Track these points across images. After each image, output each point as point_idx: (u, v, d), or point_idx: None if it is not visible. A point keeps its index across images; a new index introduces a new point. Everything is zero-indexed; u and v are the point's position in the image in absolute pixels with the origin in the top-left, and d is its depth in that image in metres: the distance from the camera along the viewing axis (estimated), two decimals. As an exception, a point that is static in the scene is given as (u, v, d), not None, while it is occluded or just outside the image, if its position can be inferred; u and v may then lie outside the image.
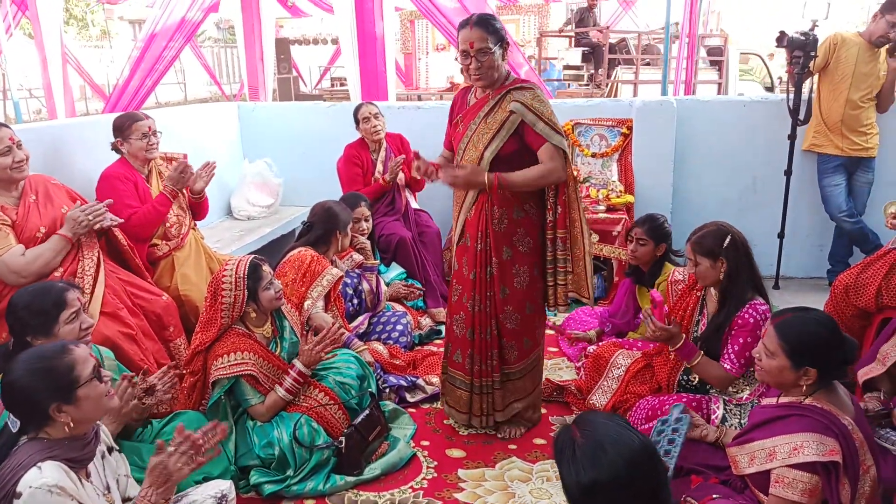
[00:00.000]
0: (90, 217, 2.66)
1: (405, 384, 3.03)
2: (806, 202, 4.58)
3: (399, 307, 3.60)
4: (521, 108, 2.59)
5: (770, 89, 10.39)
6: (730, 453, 2.08)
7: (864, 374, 2.60)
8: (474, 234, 2.72)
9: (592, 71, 9.89)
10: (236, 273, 2.54)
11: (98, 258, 2.71)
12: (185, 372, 2.60)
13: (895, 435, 2.33)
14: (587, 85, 9.60)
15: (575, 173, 4.48)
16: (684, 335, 2.62)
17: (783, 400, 2.04)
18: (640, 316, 3.49)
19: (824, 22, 4.30)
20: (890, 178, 4.41)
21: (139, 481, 1.85)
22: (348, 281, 3.33)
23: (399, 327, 3.33)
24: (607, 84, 9.30)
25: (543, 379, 3.13)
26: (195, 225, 3.48)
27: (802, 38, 4.17)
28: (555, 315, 4.13)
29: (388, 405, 2.88)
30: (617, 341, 3.25)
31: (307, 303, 2.96)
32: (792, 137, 4.36)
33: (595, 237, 4.21)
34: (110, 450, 1.91)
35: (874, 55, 4.16)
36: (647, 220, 3.40)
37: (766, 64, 10.79)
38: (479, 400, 2.82)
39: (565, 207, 2.69)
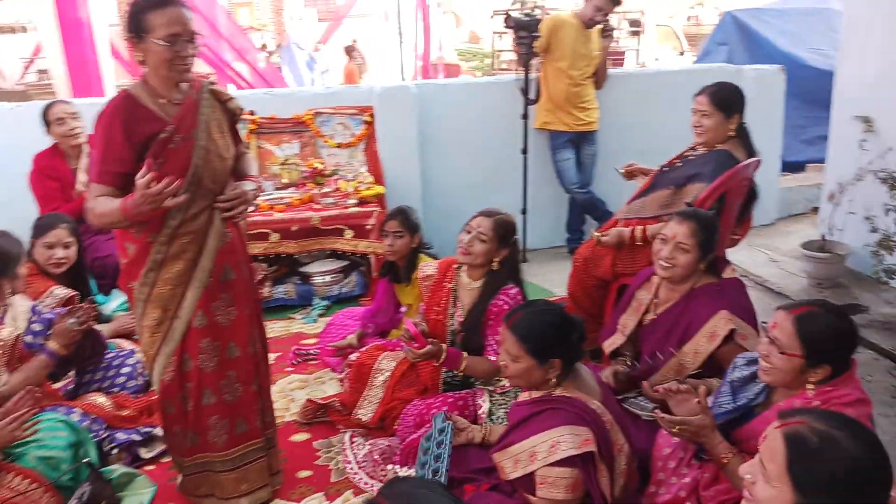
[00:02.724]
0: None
1: (138, 438, 2.56)
2: (542, 177, 4.80)
3: (126, 344, 3.06)
4: (237, 105, 2.27)
5: (682, 55, 11.70)
6: (495, 459, 2.02)
7: (608, 345, 2.71)
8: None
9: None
10: None
11: None
12: None
13: (643, 400, 2.43)
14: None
15: (321, 166, 4.32)
16: (444, 346, 2.52)
17: (535, 394, 2.01)
18: (402, 311, 3.39)
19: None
20: (610, 149, 4.78)
21: None
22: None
23: (126, 369, 2.80)
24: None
25: (302, 401, 2.88)
26: None
27: (526, 19, 4.33)
28: (314, 321, 3.88)
29: (117, 470, 2.40)
30: (380, 343, 3.08)
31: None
32: (525, 117, 4.52)
33: (350, 233, 4.01)
34: None
35: (588, 36, 4.44)
36: (399, 213, 3.27)
37: (676, 34, 11.98)
38: None
39: None
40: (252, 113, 4.30)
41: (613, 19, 4.45)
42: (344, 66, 12.27)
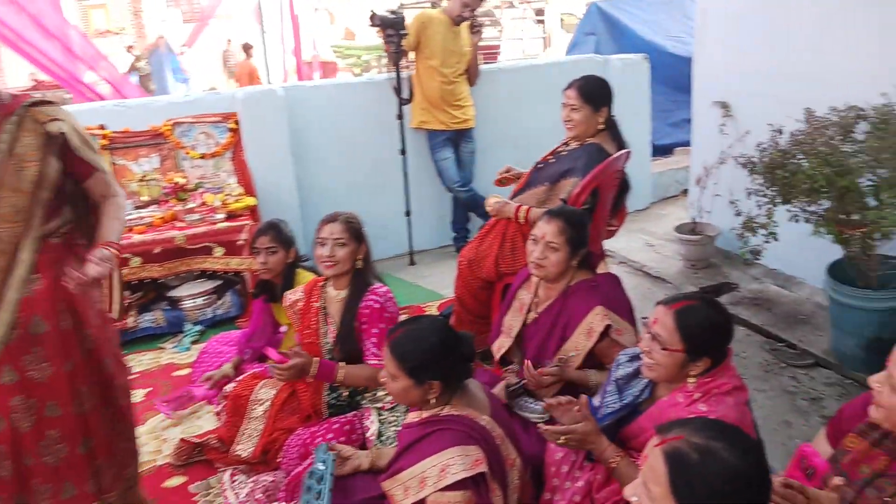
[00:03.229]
0: None
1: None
2: (424, 177, 4.71)
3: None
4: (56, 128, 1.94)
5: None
6: (384, 488, 1.89)
7: (496, 349, 2.66)
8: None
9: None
10: None
11: None
12: None
13: (533, 403, 2.39)
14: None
15: (183, 180, 4.01)
16: (316, 358, 2.36)
17: (424, 414, 1.91)
18: (282, 331, 3.19)
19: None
20: (487, 144, 4.76)
21: None
22: None
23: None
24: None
25: (175, 441, 2.64)
26: None
27: (392, 16, 4.20)
28: (187, 349, 3.60)
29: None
30: (257, 371, 2.86)
31: None
32: (400, 117, 4.41)
33: (220, 250, 3.75)
34: None
35: (458, 32, 4.38)
36: (270, 227, 3.05)
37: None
38: None
39: None
40: (102, 127, 3.93)
41: (502, 13, 4.41)
42: (240, 65, 11.83)
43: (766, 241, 3.12)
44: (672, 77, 6.08)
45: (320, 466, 2.04)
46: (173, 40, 12.93)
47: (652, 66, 5.33)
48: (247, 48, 11.70)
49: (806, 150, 2.87)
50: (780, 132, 3.08)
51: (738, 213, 3.21)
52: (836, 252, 3.02)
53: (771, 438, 2.58)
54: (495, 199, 3.05)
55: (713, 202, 4.12)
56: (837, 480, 1.36)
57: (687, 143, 5.07)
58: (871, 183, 2.82)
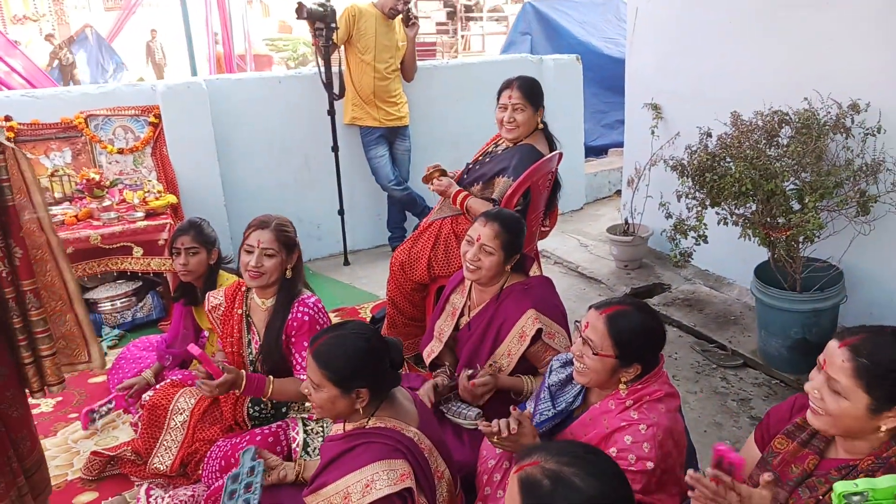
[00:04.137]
0: None
1: None
2: (358, 175, 4.61)
3: None
4: None
5: None
6: (307, 503, 1.80)
7: (427, 354, 2.59)
8: None
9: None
10: None
11: None
12: None
13: (463, 407, 2.33)
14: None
15: (97, 176, 3.78)
16: (244, 373, 2.24)
17: (348, 427, 1.83)
18: (203, 336, 3.04)
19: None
20: (422, 143, 4.70)
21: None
22: None
23: None
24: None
25: (88, 454, 2.47)
26: None
27: (321, 9, 4.06)
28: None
29: None
30: (177, 379, 2.70)
31: None
32: (331, 112, 4.29)
33: (139, 250, 3.55)
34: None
35: (391, 26, 4.28)
36: (191, 226, 2.88)
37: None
38: None
39: (26, 245, 1.77)
40: (7, 118, 3.66)
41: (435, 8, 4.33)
42: (214, 53, 11.30)
43: (697, 244, 3.15)
44: (606, 78, 6.16)
45: (248, 472, 1.92)
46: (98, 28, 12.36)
47: (586, 67, 5.37)
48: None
49: (733, 153, 2.92)
50: (710, 135, 3.13)
51: (669, 216, 3.24)
52: (764, 254, 3.08)
53: (702, 440, 2.60)
54: (441, 173, 2.97)
55: (645, 203, 4.17)
56: (767, 476, 1.34)
57: (621, 145, 5.12)
58: (795, 187, 2.88)
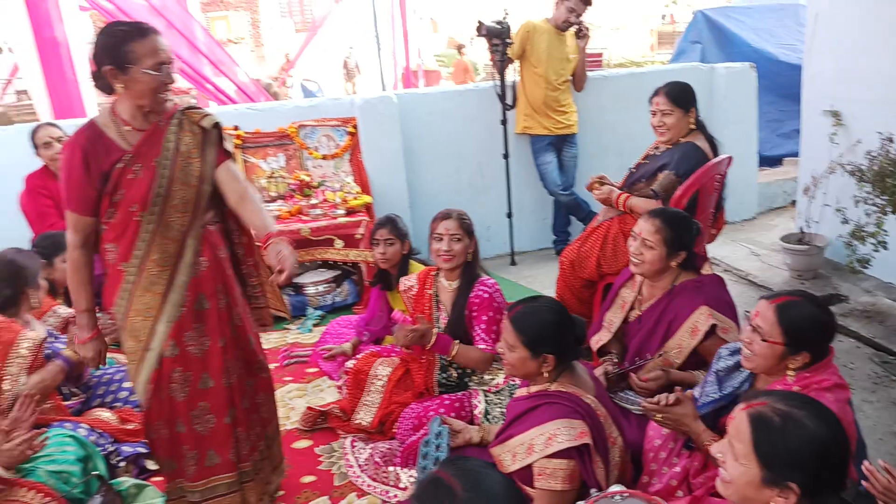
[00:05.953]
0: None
1: (144, 450, 2.61)
2: (526, 181, 4.89)
3: (123, 358, 3.10)
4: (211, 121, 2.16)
5: None
6: (493, 454, 2.08)
7: (595, 342, 2.79)
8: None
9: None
10: None
11: None
12: None
13: (632, 395, 2.51)
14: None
15: (308, 178, 4.38)
16: (435, 330, 2.60)
17: (533, 389, 2.08)
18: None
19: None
20: (591, 151, 4.90)
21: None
22: (58, 346, 2.76)
23: (127, 384, 2.86)
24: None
25: (302, 409, 2.97)
26: None
27: (498, 26, 4.41)
28: (309, 331, 3.94)
29: (126, 482, 2.44)
30: (375, 350, 3.15)
31: (5, 384, 2.39)
32: (504, 122, 4.61)
33: (340, 243, 4.08)
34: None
35: (563, 39, 4.54)
36: (387, 221, 3.34)
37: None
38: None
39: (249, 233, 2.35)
40: (236, 128, 4.35)
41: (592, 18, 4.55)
42: (456, 63, 13.31)
43: (876, 250, 3.10)
44: (783, 86, 5.96)
45: (436, 437, 2.25)
46: (287, 48, 13.62)
47: (761, 74, 5.27)
48: (459, 48, 13.20)
49: (919, 159, 2.86)
50: (892, 140, 3.06)
51: (846, 222, 3.20)
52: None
53: (877, 447, 2.58)
54: (600, 183, 3.21)
55: (822, 212, 4.07)
56: None
57: (796, 155, 4.98)
58: None
